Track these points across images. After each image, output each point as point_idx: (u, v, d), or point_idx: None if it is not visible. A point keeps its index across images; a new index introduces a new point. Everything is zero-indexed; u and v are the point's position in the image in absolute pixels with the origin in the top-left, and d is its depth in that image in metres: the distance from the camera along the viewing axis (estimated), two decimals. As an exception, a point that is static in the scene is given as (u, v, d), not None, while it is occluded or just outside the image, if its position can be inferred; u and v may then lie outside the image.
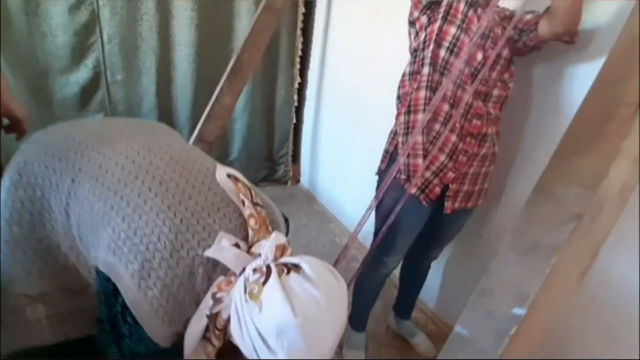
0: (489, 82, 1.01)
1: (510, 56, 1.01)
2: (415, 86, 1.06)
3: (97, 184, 0.64)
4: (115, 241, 0.59)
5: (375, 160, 1.21)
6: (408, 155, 1.06)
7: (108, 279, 0.60)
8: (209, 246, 0.58)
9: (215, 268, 0.59)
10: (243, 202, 0.63)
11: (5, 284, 0.70)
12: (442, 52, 1.00)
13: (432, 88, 1.03)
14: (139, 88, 2.01)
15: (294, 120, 2.52)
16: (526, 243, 0.53)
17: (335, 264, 1.07)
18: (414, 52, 1.08)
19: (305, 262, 0.55)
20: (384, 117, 1.51)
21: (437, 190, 1.07)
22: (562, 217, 0.52)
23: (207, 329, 0.60)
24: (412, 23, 1.07)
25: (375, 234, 1.17)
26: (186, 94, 2.12)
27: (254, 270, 0.56)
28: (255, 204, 0.64)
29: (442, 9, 0.98)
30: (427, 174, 1.06)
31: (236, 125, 2.33)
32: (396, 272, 1.39)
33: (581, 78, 1.01)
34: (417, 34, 1.06)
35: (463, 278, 1.49)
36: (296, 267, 0.55)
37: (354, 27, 2.00)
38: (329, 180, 2.46)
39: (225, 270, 0.59)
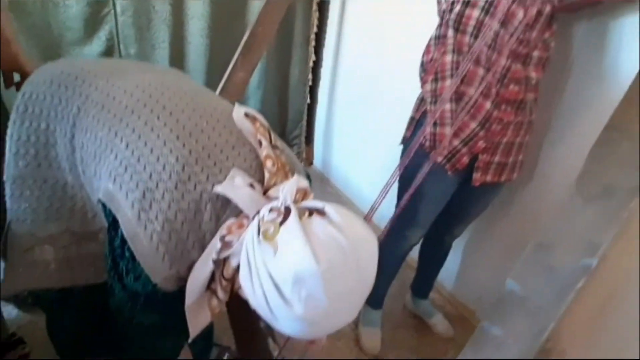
0: (529, 43, 0.93)
1: (552, 12, 0.93)
2: (442, 50, 1.00)
3: (102, 111, 0.60)
4: (117, 168, 0.55)
5: (390, 142, 1.16)
6: (435, 123, 1.00)
7: (108, 212, 0.56)
8: (220, 183, 0.53)
9: (225, 208, 0.54)
10: (260, 143, 0.58)
11: (13, 221, 0.68)
12: (476, 12, 0.93)
13: (461, 51, 0.96)
14: (151, 62, 1.97)
15: (308, 100, 2.47)
16: (597, 187, 0.47)
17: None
18: (442, 13, 1.01)
19: (330, 207, 0.50)
20: (401, 98, 1.45)
21: (465, 160, 1.01)
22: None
23: (212, 278, 0.55)
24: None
25: (397, 206, 1.12)
26: (199, 69, 2.08)
27: (270, 210, 0.51)
28: (274, 147, 0.59)
29: None
30: (456, 142, 1.00)
31: (249, 103, 2.28)
32: (414, 253, 1.34)
33: (629, 35, 0.93)
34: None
35: (484, 259, 1.44)
36: (320, 212, 0.50)
37: (372, 2, 1.93)
38: (343, 162, 2.41)
39: (237, 212, 0.54)
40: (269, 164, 0.57)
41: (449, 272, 1.54)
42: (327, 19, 2.28)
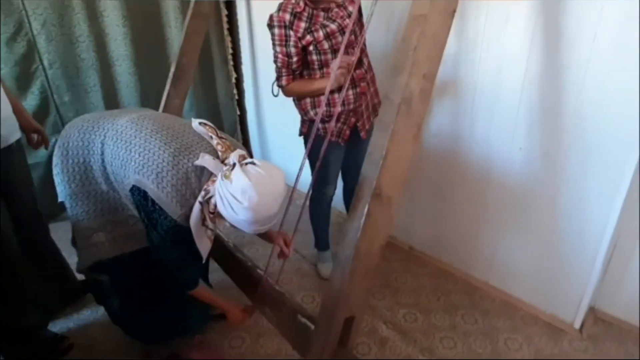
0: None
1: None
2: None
3: (118, 140, 0.98)
4: (139, 168, 0.93)
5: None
6: (322, 120, 1.46)
7: (140, 192, 0.93)
8: (195, 161, 0.93)
9: (201, 175, 0.94)
10: (212, 137, 0.99)
11: (75, 222, 1.05)
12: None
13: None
14: (87, 105, 2.15)
15: (238, 112, 2.80)
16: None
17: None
18: None
19: (257, 160, 0.91)
20: None
21: (347, 132, 1.49)
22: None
23: (204, 218, 0.93)
24: None
25: (313, 174, 1.56)
26: (133, 102, 2.29)
27: (226, 166, 0.91)
28: (220, 137, 1.00)
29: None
30: (339, 125, 1.47)
31: (186, 125, 2.54)
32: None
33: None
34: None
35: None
36: (253, 163, 0.91)
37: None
38: (280, 159, 2.79)
39: (209, 177, 0.93)
40: (219, 147, 0.96)
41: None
42: (240, 40, 2.62)
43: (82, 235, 1.05)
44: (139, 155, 0.93)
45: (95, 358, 1.39)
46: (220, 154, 0.96)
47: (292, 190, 1.27)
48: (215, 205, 0.91)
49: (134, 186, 0.93)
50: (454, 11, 0.96)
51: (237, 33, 2.60)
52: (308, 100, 1.47)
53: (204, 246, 0.97)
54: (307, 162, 1.27)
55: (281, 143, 2.68)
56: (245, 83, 2.76)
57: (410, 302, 1.62)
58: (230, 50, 2.60)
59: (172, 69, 2.08)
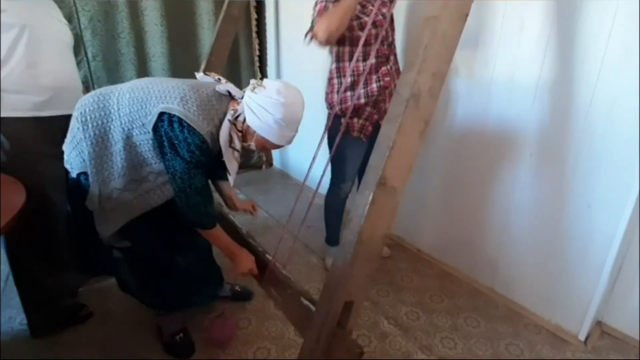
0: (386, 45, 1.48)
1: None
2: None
3: (134, 90, 1.08)
4: (162, 98, 1.03)
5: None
6: (344, 115, 1.52)
7: (165, 120, 1.01)
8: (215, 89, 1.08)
9: (221, 100, 1.07)
10: (219, 79, 1.12)
11: (101, 186, 1.12)
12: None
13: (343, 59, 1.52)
14: (123, 96, 2.31)
15: (260, 111, 2.91)
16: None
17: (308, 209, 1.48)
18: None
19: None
20: None
21: (370, 128, 1.55)
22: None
23: (231, 140, 1.04)
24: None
25: (333, 171, 1.63)
26: (165, 97, 2.45)
27: (253, 83, 1.04)
28: (226, 81, 1.12)
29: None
30: (361, 121, 1.53)
31: (211, 120, 2.68)
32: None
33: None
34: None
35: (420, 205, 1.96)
36: None
37: (301, 25, 2.42)
38: (297, 158, 2.88)
39: (228, 102, 1.07)
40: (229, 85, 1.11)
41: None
42: (267, 43, 2.76)
43: (109, 197, 1.10)
44: (159, 92, 1.04)
45: (111, 327, 1.49)
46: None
47: (315, 191, 1.35)
48: (244, 121, 1.04)
49: (160, 114, 1.01)
50: (467, 15, 1.02)
51: (265, 36, 2.74)
52: (335, 95, 1.54)
53: (232, 167, 1.08)
54: (316, 159, 1.34)
55: (298, 143, 2.76)
56: (269, 84, 2.88)
57: (414, 301, 1.65)
58: (257, 52, 2.74)
59: (202, 67, 2.22)
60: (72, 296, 1.55)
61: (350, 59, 1.48)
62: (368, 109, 1.52)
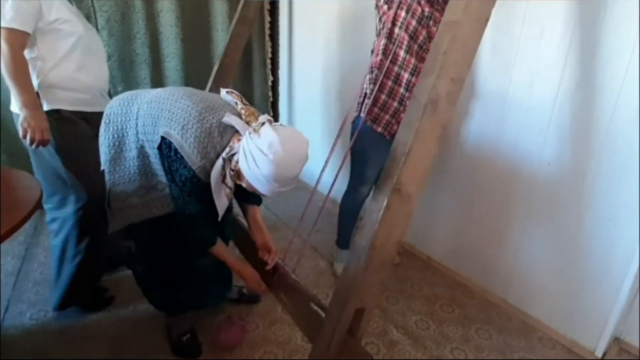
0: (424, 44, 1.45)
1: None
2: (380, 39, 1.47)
3: (151, 103, 1.07)
4: (168, 121, 1.00)
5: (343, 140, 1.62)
6: (375, 105, 1.49)
7: (167, 143, 0.99)
8: (220, 120, 1.00)
9: (225, 132, 0.99)
10: (237, 103, 1.05)
11: (112, 187, 1.15)
12: (396, 30, 1.41)
13: (387, 56, 1.44)
14: (136, 96, 2.34)
15: (272, 114, 2.92)
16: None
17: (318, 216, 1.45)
18: (379, 31, 1.49)
19: (284, 123, 0.97)
20: (347, 102, 1.91)
21: (395, 127, 1.50)
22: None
23: (225, 175, 0.99)
24: (376, 6, 1.47)
25: (352, 170, 1.59)
26: (178, 98, 2.46)
27: (256, 124, 0.97)
28: (244, 104, 1.05)
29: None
30: (387, 117, 1.50)
31: (222, 121, 2.69)
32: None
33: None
34: (380, 18, 1.46)
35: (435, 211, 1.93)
36: (281, 125, 0.97)
37: (314, 30, 2.43)
38: (309, 162, 2.86)
39: (232, 135, 0.99)
40: (243, 112, 1.02)
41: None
42: (279, 46, 2.77)
43: (117, 198, 1.14)
44: (169, 112, 1.01)
45: (123, 322, 1.49)
46: (243, 117, 1.02)
47: (326, 196, 1.33)
48: (237, 162, 0.96)
49: (162, 138, 1.00)
50: (487, 20, 1.00)
51: (278, 39, 2.74)
52: (365, 85, 1.52)
53: (221, 203, 1.03)
54: (328, 162, 1.30)
55: (310, 146, 2.75)
56: (280, 86, 2.88)
57: (424, 310, 1.61)
58: (270, 55, 2.74)
59: (215, 68, 2.23)
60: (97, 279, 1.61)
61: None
62: (395, 104, 1.48)
